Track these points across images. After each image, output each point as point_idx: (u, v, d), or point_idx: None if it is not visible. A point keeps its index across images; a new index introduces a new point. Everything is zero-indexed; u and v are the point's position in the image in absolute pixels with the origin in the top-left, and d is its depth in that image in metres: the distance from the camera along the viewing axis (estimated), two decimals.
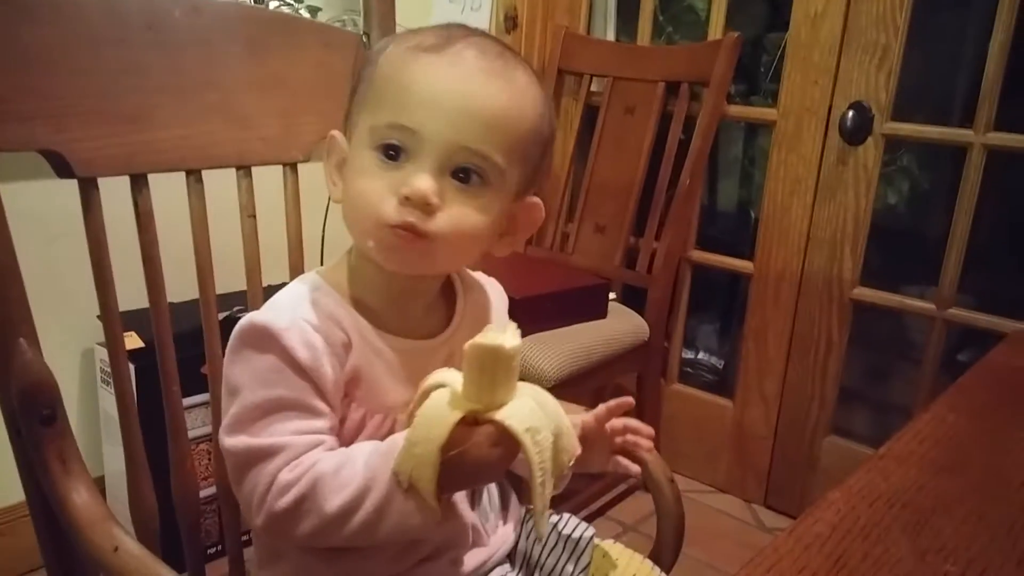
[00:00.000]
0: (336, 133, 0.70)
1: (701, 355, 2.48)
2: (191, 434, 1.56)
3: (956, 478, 0.70)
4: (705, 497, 2.12)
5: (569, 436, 0.64)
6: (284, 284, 0.90)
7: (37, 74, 0.71)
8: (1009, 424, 0.82)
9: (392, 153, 0.64)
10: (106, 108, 0.76)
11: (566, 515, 0.82)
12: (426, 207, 0.62)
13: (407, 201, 0.62)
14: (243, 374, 0.65)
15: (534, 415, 0.60)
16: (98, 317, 1.55)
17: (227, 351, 0.66)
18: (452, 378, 0.61)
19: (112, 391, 1.62)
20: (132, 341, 1.61)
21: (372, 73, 0.66)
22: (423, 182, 0.62)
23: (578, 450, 0.67)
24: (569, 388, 1.72)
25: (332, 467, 0.62)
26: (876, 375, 2.42)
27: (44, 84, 0.72)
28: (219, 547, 1.62)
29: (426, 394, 0.63)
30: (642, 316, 1.97)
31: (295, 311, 0.66)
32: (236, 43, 0.85)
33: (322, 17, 2.05)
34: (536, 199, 0.72)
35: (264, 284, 0.91)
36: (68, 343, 1.70)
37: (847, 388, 2.01)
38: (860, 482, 0.69)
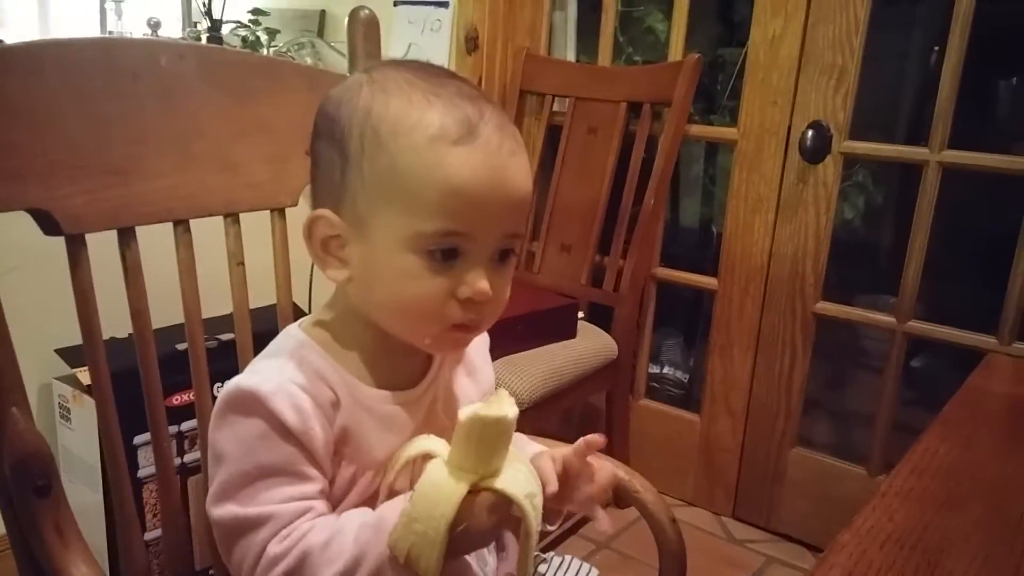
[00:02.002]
0: (326, 214, 0.65)
1: (667, 370, 2.51)
2: (143, 472, 1.55)
3: (958, 515, 0.72)
4: (675, 511, 2.13)
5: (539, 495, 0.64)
6: (272, 305, 0.90)
7: (22, 130, 0.69)
8: (998, 454, 0.84)
9: (448, 256, 0.63)
10: (94, 162, 0.74)
11: (568, 557, 0.82)
12: (486, 302, 0.63)
13: (469, 302, 0.63)
14: (229, 441, 0.63)
15: (529, 480, 0.60)
16: (56, 351, 1.54)
17: (213, 416, 0.65)
18: (437, 447, 0.61)
19: (72, 427, 1.59)
20: (87, 376, 1.57)
21: (386, 163, 0.62)
22: (484, 283, 0.63)
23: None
24: (541, 410, 1.72)
25: (321, 541, 0.61)
26: (838, 385, 2.48)
27: (30, 140, 0.69)
28: None
29: (411, 463, 0.62)
30: (609, 334, 1.98)
31: (282, 372, 0.65)
32: (222, 89, 0.83)
33: (280, 39, 2.02)
34: None
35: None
36: (24, 378, 1.64)
37: (811, 399, 2.06)
38: (868, 522, 0.70)
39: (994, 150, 1.71)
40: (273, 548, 0.61)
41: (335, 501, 0.66)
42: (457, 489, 0.59)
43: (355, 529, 0.62)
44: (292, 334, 0.70)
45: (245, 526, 0.62)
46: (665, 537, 0.83)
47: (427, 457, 0.63)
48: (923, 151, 1.74)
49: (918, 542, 0.67)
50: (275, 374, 0.64)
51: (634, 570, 0.76)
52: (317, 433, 0.64)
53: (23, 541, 0.70)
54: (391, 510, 0.62)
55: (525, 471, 0.61)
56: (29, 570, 0.72)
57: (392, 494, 0.66)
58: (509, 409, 0.58)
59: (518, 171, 0.64)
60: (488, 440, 0.58)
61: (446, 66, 0.72)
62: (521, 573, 0.62)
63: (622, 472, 0.86)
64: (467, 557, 0.73)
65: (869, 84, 1.81)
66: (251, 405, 0.62)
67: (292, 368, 0.65)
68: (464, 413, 0.58)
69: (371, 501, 0.67)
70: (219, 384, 1.59)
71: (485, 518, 0.60)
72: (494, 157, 0.62)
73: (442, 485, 0.59)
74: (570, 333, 1.91)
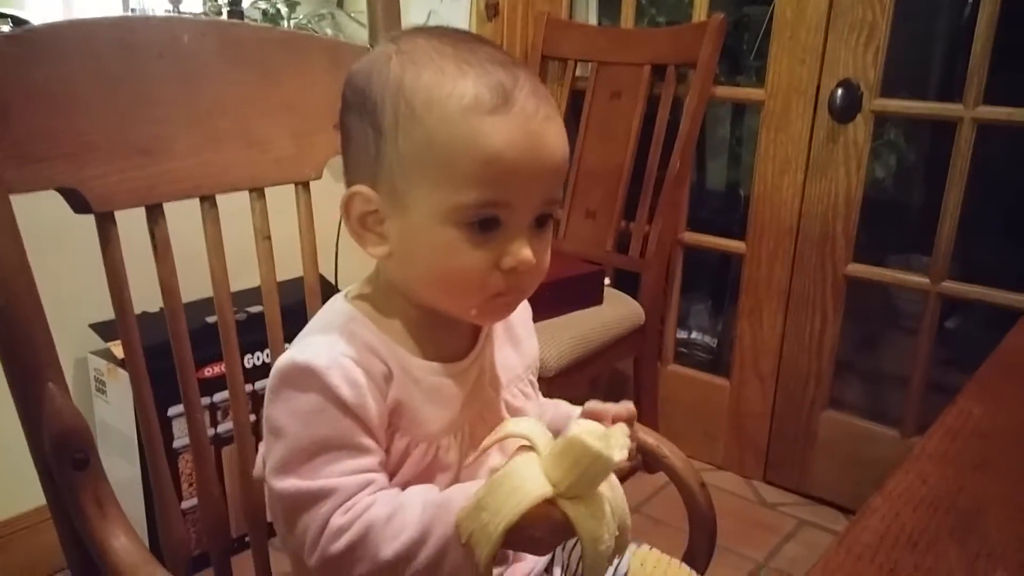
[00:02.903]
0: (363, 189, 0.65)
1: (695, 335, 2.50)
2: (178, 443, 1.57)
3: (993, 477, 0.71)
4: (705, 475, 2.11)
5: (626, 531, 0.63)
6: (298, 278, 0.91)
7: (51, 113, 0.70)
8: None
9: (489, 227, 0.62)
10: (121, 142, 0.74)
11: None
12: (528, 271, 0.63)
13: (512, 271, 0.63)
14: (286, 415, 0.63)
15: (602, 526, 0.58)
16: (90, 326, 1.56)
17: (268, 390, 0.65)
18: (537, 436, 0.60)
19: (108, 400, 1.62)
20: (119, 350, 1.60)
21: (422, 135, 0.62)
22: (527, 251, 0.63)
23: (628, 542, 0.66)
24: (569, 377, 1.73)
25: (384, 515, 0.62)
26: (870, 347, 2.45)
27: (59, 123, 0.70)
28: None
29: (505, 441, 0.62)
30: (636, 300, 1.97)
31: (334, 347, 0.64)
32: (246, 66, 0.83)
33: (301, 11, 2.02)
34: None
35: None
36: (60, 353, 1.68)
37: (842, 361, 2.04)
38: (900, 485, 0.69)
39: None
40: (336, 520, 0.62)
41: (390, 473, 0.66)
42: (532, 498, 0.57)
43: (419, 506, 0.62)
44: (339, 307, 0.70)
45: (308, 499, 0.62)
46: (694, 502, 0.83)
47: (524, 447, 0.62)
48: (957, 107, 1.71)
49: (952, 505, 0.67)
50: (328, 348, 0.64)
51: (664, 534, 0.76)
52: (372, 406, 0.64)
53: (64, 513, 0.72)
54: (458, 492, 0.63)
55: (606, 512, 0.59)
56: (70, 542, 0.73)
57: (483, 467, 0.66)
58: (618, 452, 0.57)
59: (554, 136, 0.63)
60: (582, 466, 0.57)
61: None
62: None
63: (650, 437, 0.87)
64: None
65: (900, 39, 1.77)
66: (307, 380, 0.63)
67: (344, 342, 0.65)
68: (573, 429, 0.57)
69: (426, 473, 0.68)
70: (249, 355, 1.63)
71: (547, 535, 0.60)
72: (530, 123, 0.61)
73: (520, 487, 0.58)
74: (597, 300, 1.90)
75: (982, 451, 0.75)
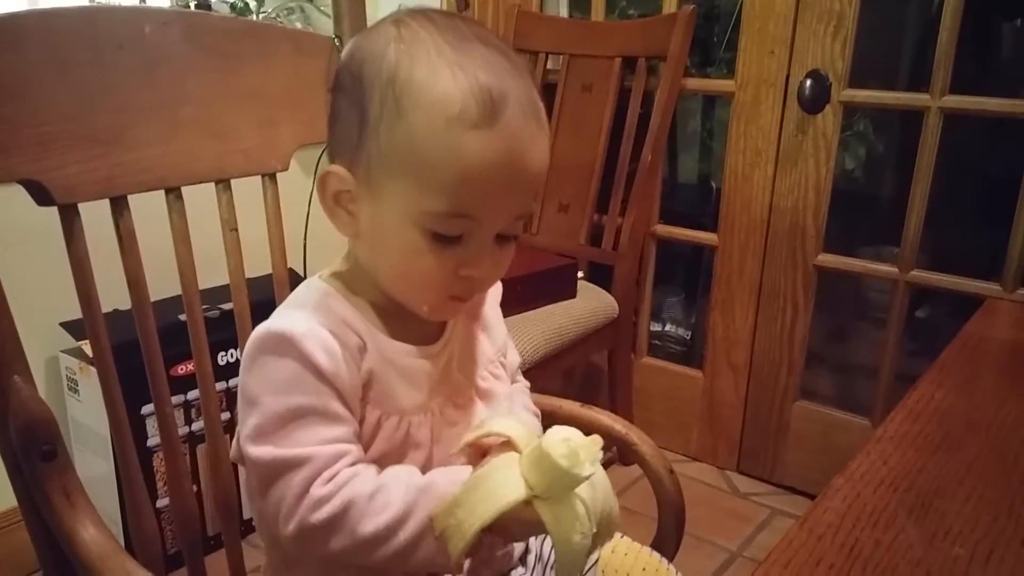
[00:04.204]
0: (340, 170, 0.65)
1: (668, 327, 2.51)
2: (152, 442, 1.57)
3: (952, 458, 0.72)
4: (679, 466, 2.12)
5: (610, 524, 0.63)
6: (268, 275, 0.91)
7: (10, 103, 0.69)
8: (995, 398, 0.84)
9: (450, 237, 0.63)
10: (82, 132, 0.74)
11: None
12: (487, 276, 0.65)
13: (469, 279, 0.64)
14: (262, 383, 0.64)
15: (576, 525, 0.59)
16: (61, 324, 1.55)
17: (244, 359, 0.65)
18: (519, 436, 0.61)
19: (80, 399, 1.61)
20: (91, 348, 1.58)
21: (404, 135, 0.61)
22: (488, 264, 0.64)
23: (616, 532, 0.66)
24: (544, 370, 1.73)
25: (367, 491, 0.62)
26: (841, 338, 2.48)
27: (18, 113, 0.69)
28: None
29: (485, 437, 0.62)
30: (609, 293, 1.98)
31: (310, 318, 0.65)
32: (209, 55, 0.83)
33: (269, 5, 2.00)
34: None
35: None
36: (31, 352, 1.66)
37: (813, 352, 2.06)
38: (862, 467, 0.71)
39: (997, 94, 1.68)
40: (317, 491, 0.62)
41: (363, 447, 0.67)
42: (507, 501, 0.58)
43: (403, 487, 0.63)
44: (314, 284, 0.71)
45: (283, 466, 0.62)
46: (662, 487, 0.84)
47: (506, 444, 0.62)
48: (924, 97, 1.73)
49: (912, 484, 0.68)
50: (304, 317, 0.65)
51: (639, 524, 0.77)
52: (346, 375, 0.65)
53: (33, 507, 0.71)
54: (441, 476, 0.63)
55: (580, 513, 0.59)
56: (41, 536, 0.73)
57: (468, 453, 0.66)
58: (588, 468, 0.57)
59: (536, 154, 0.63)
60: (552, 477, 0.57)
61: None
62: None
63: (619, 425, 0.87)
64: None
65: (868, 30, 1.79)
66: (283, 347, 0.63)
67: (320, 313, 0.66)
68: (546, 439, 0.57)
69: (399, 449, 0.68)
70: (223, 352, 1.62)
71: (518, 531, 0.61)
72: (513, 142, 0.61)
73: (496, 490, 0.59)
74: (570, 293, 1.91)
75: (942, 433, 0.77)
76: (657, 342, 2.41)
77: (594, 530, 0.60)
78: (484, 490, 0.59)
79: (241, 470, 0.72)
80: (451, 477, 0.63)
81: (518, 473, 0.59)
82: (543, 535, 0.82)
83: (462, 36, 0.63)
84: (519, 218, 0.66)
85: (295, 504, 0.62)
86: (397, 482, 0.63)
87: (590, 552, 0.62)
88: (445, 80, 0.61)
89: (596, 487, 0.61)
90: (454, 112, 0.60)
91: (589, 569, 0.80)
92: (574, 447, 0.57)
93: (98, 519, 0.69)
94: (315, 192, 0.68)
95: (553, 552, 0.79)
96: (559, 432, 0.58)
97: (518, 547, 0.79)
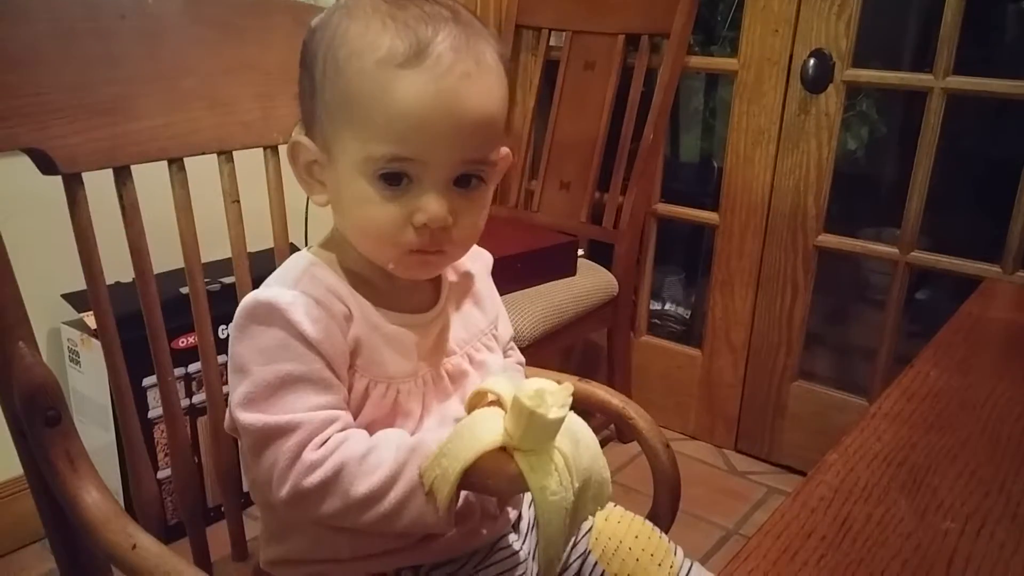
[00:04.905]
0: (302, 139, 0.67)
1: (668, 306, 2.52)
2: (152, 414, 1.58)
3: (946, 435, 0.73)
4: (676, 445, 2.14)
5: (600, 486, 0.63)
6: (268, 249, 0.91)
7: (13, 71, 0.69)
8: (990, 378, 0.85)
9: (394, 181, 0.63)
10: (85, 102, 0.74)
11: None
12: (443, 228, 0.64)
13: (424, 228, 0.64)
14: (251, 351, 0.65)
15: (554, 475, 0.59)
16: (62, 296, 1.55)
17: (232, 328, 0.66)
18: (506, 392, 0.61)
19: (81, 370, 1.62)
20: (92, 320, 1.59)
21: (342, 87, 0.63)
22: (436, 207, 0.63)
23: (609, 498, 0.66)
24: (542, 347, 1.74)
25: (359, 453, 0.63)
26: (839, 319, 2.49)
27: (21, 82, 0.70)
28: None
29: (477, 397, 0.63)
30: (610, 271, 1.99)
31: (296, 285, 0.66)
32: (210, 27, 0.83)
33: None
34: (505, 150, 0.71)
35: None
36: (33, 323, 1.67)
37: (812, 333, 2.07)
38: (856, 442, 0.71)
39: (1001, 76, 1.68)
40: (309, 455, 0.63)
41: (352, 414, 0.67)
42: (485, 442, 0.59)
43: (393, 447, 0.64)
44: (301, 255, 0.71)
45: (274, 433, 0.63)
46: (658, 460, 0.85)
47: (495, 403, 0.63)
48: (927, 78, 1.72)
49: (904, 460, 0.69)
50: (291, 287, 0.66)
51: (636, 500, 0.78)
52: (334, 342, 0.65)
53: (37, 471, 0.72)
54: (432, 436, 0.64)
55: (558, 464, 0.60)
56: (44, 502, 0.74)
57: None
58: (555, 411, 0.57)
59: (473, 93, 0.62)
60: (533, 428, 0.58)
61: None
62: (541, 560, 0.62)
63: (616, 399, 0.88)
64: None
65: (872, 9, 1.78)
66: (270, 316, 0.64)
67: (306, 282, 0.67)
68: (520, 392, 0.58)
69: (388, 417, 0.69)
70: (223, 326, 1.63)
71: (503, 483, 0.61)
72: (442, 80, 0.61)
73: (476, 433, 0.60)
74: (570, 270, 1.91)
75: (936, 411, 0.78)
76: (657, 321, 2.42)
77: (576, 484, 0.60)
78: (465, 435, 0.61)
79: (240, 441, 0.72)
80: (440, 436, 0.63)
81: (499, 423, 0.60)
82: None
83: None
84: (472, 162, 0.64)
85: (287, 469, 0.63)
86: (387, 443, 0.64)
87: (581, 516, 0.63)
88: (376, 29, 0.62)
89: (579, 444, 0.62)
90: (382, 55, 0.61)
91: (583, 536, 0.80)
92: (541, 390, 0.58)
93: (101, 483, 0.70)
94: (290, 166, 0.69)
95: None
96: (533, 382, 0.59)
97: (511, 514, 0.80)
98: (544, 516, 0.59)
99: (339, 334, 0.66)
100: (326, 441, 0.63)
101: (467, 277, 0.79)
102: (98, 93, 0.75)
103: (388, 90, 0.61)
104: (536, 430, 0.58)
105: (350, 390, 0.68)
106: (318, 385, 0.65)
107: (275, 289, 0.66)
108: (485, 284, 0.81)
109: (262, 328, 0.64)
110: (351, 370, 0.68)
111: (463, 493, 0.67)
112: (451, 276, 0.78)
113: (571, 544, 0.80)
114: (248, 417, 0.64)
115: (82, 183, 0.75)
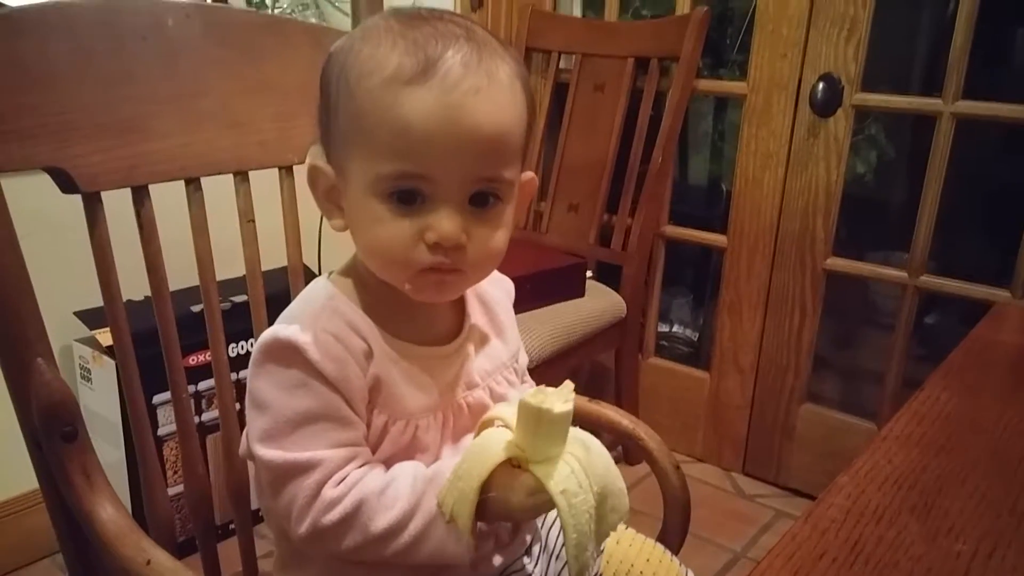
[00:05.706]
0: (321, 164, 0.67)
1: (676, 328, 2.52)
2: (163, 431, 1.58)
3: (956, 458, 0.73)
4: (684, 467, 2.15)
5: (618, 497, 0.63)
6: (283, 267, 0.92)
7: (35, 91, 0.71)
8: (1001, 401, 0.85)
9: (407, 200, 0.62)
10: (105, 121, 0.75)
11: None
12: (457, 247, 0.63)
13: (437, 246, 0.62)
14: (270, 388, 0.65)
15: (571, 478, 0.59)
16: (75, 314, 1.56)
17: (251, 363, 0.66)
18: (511, 416, 0.61)
19: (92, 387, 1.63)
20: (106, 337, 1.60)
21: (353, 108, 0.63)
22: (448, 224, 0.62)
23: (627, 512, 0.65)
24: (550, 368, 1.74)
25: (378, 488, 0.63)
26: (848, 342, 2.48)
27: (43, 100, 0.71)
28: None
29: (484, 425, 0.63)
30: (618, 293, 1.99)
31: (315, 323, 0.66)
32: (229, 48, 0.84)
33: (285, 0, 2.02)
34: (529, 174, 0.71)
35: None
36: None
37: (821, 356, 2.07)
38: (866, 465, 0.71)
39: (1010, 100, 1.68)
40: (329, 492, 0.63)
41: (371, 450, 0.68)
42: (496, 455, 0.60)
43: (410, 479, 0.64)
44: (321, 286, 0.71)
45: (294, 470, 0.63)
46: (668, 482, 0.85)
47: (504, 428, 0.63)
48: (936, 102, 1.73)
49: (915, 483, 0.69)
50: (310, 324, 0.65)
51: (644, 523, 0.78)
52: (353, 380, 0.65)
53: (53, 486, 0.73)
54: (447, 466, 0.64)
55: (574, 467, 0.60)
56: (60, 516, 0.75)
57: None
58: (558, 405, 0.57)
59: (482, 108, 0.61)
60: (532, 426, 0.58)
61: None
62: (572, 569, 0.61)
63: (626, 420, 0.88)
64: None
65: (881, 34, 1.79)
66: (289, 355, 0.64)
67: (325, 319, 0.66)
68: (524, 397, 0.58)
69: (406, 451, 0.69)
70: (233, 344, 1.63)
71: (523, 497, 0.60)
72: (449, 94, 0.60)
73: (486, 447, 0.60)
74: (578, 292, 1.92)
75: (946, 433, 0.78)
76: (664, 343, 2.42)
77: (595, 488, 0.60)
78: (476, 452, 0.61)
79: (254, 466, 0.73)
80: (454, 462, 0.63)
81: (507, 436, 0.61)
82: (548, 520, 0.83)
83: (416, 16, 0.64)
84: (486, 179, 0.63)
85: (307, 506, 0.63)
86: (405, 476, 0.64)
87: (603, 530, 0.62)
88: (386, 48, 0.61)
89: (591, 451, 0.62)
90: (389, 73, 0.61)
91: (597, 559, 0.80)
92: (542, 388, 0.58)
93: (116, 499, 0.71)
94: (310, 191, 0.69)
95: (560, 540, 0.80)
96: (534, 388, 0.60)
97: (526, 538, 0.80)
98: (570, 521, 0.59)
99: (358, 371, 0.66)
100: (345, 478, 0.64)
101: (489, 306, 0.78)
102: (118, 113, 0.76)
103: (394, 106, 0.60)
104: (546, 428, 0.58)
105: (369, 426, 0.68)
106: (337, 422, 0.65)
107: (295, 326, 0.65)
108: (507, 314, 0.81)
109: (281, 367, 0.64)
110: (370, 406, 0.67)
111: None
112: (474, 305, 0.76)
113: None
114: (268, 453, 0.64)
115: (101, 201, 0.76)
